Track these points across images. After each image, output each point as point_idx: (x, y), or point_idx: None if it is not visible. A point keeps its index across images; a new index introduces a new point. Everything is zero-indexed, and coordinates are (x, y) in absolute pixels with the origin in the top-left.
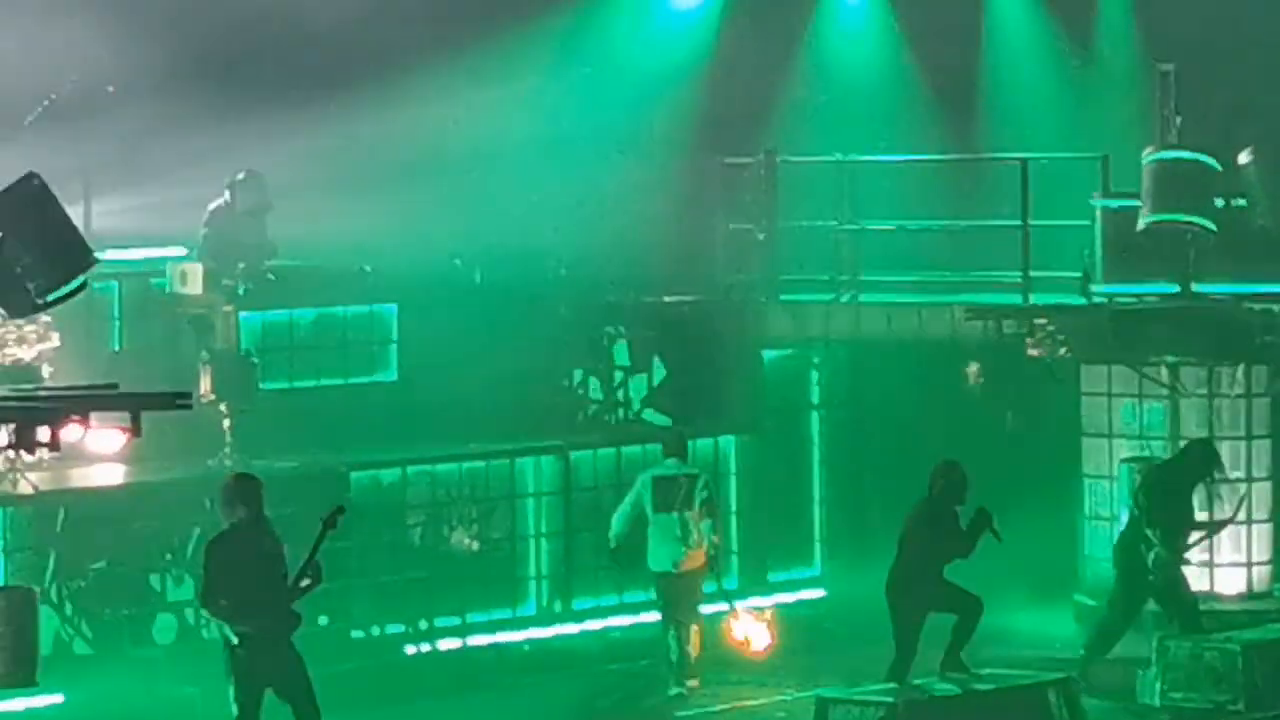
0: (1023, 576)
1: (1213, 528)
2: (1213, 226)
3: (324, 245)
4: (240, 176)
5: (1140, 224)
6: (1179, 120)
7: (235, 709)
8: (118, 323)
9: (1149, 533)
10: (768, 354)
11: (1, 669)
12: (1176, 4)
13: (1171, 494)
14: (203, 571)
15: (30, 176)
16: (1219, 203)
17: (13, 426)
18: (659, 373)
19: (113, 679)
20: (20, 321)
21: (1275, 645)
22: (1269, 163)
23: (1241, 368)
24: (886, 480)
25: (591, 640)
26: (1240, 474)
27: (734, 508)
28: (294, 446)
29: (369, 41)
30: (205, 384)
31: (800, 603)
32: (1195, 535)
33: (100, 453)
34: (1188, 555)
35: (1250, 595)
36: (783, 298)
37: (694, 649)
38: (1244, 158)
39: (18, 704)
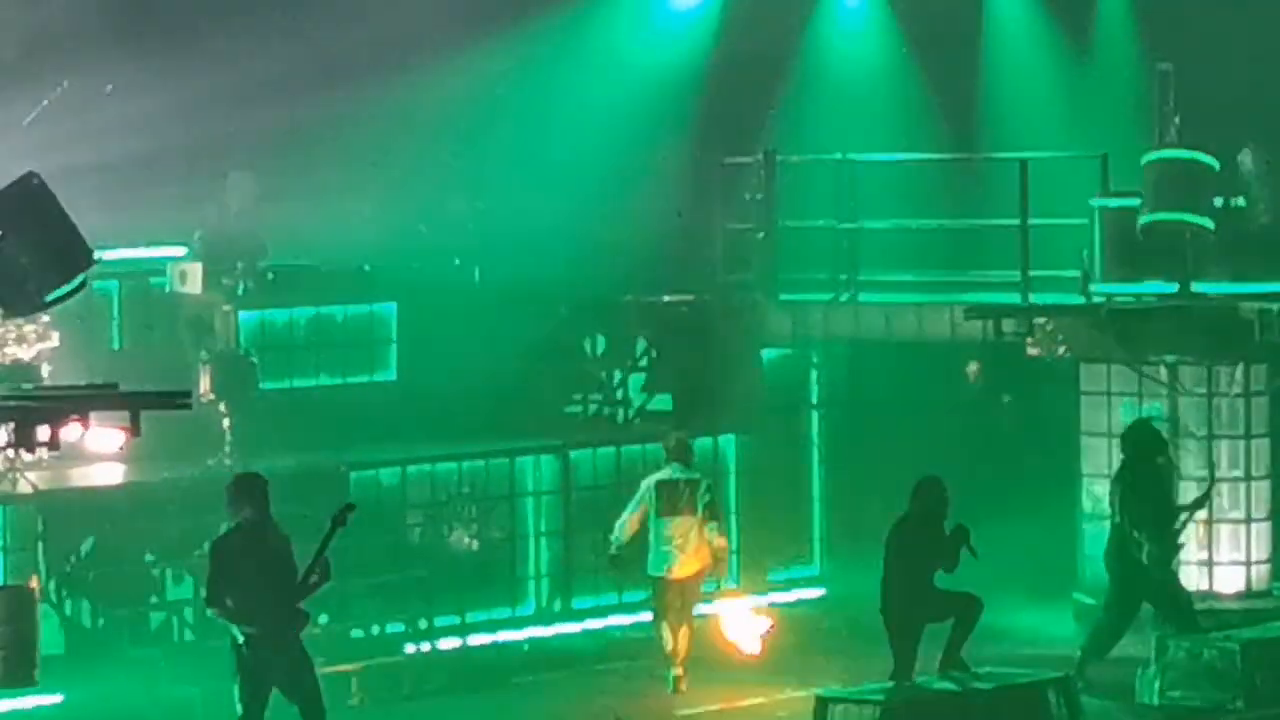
0: (1022, 576)
1: (1192, 508)
2: (1211, 226)
3: (322, 244)
4: (230, 176)
5: (1139, 223)
6: (1178, 120)
7: (240, 708)
8: (117, 322)
9: (1136, 535)
10: (767, 353)
11: (1, 669)
12: (1175, 4)
13: (1139, 492)
14: (208, 571)
15: (30, 176)
16: (1218, 202)
17: (12, 426)
18: (658, 372)
19: (112, 679)
20: (20, 321)
21: (1274, 644)
22: (1267, 162)
23: (1240, 366)
24: (886, 479)
25: (591, 639)
26: (1239, 473)
27: (733, 507)
28: (293, 446)
29: (369, 41)
30: (205, 383)
31: (799, 602)
32: (1180, 520)
33: (100, 452)
34: (1182, 542)
35: (1249, 594)
36: (782, 297)
37: (683, 649)
38: (1243, 157)
39: (17, 703)
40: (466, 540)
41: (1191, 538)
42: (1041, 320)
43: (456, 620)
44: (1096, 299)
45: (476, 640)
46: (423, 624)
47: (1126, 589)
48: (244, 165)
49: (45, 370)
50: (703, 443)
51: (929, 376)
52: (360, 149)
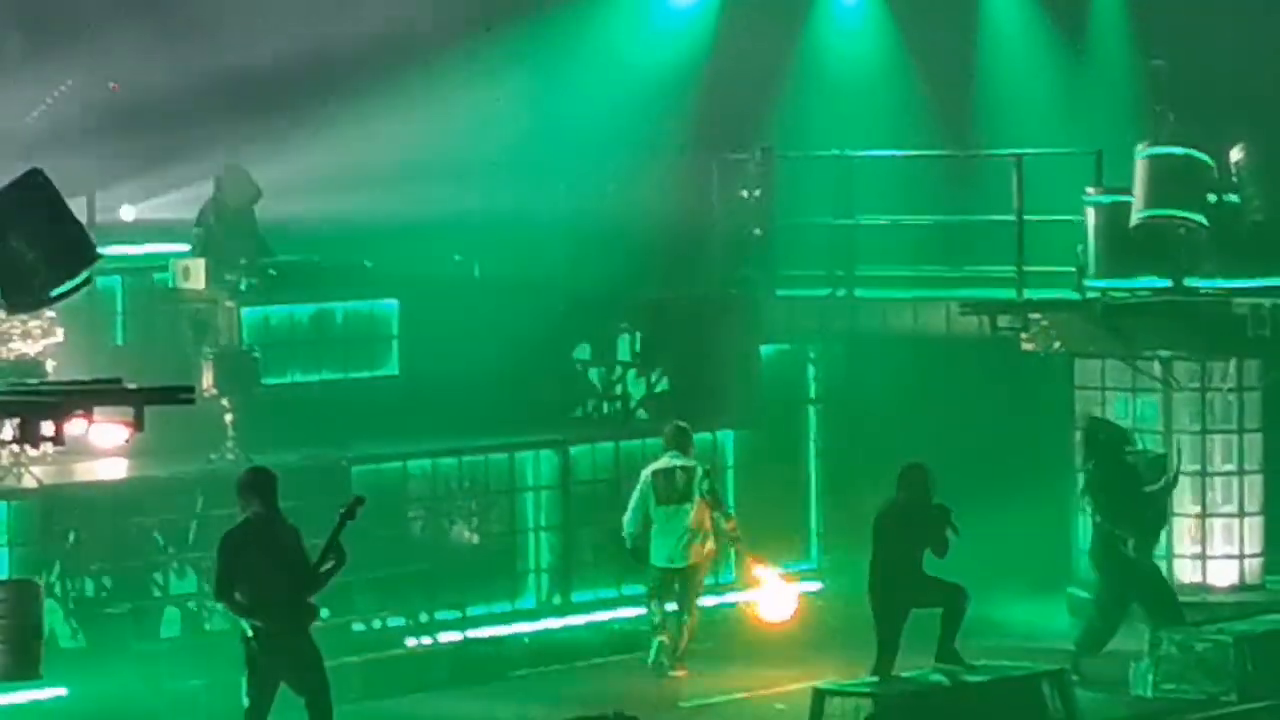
0: (1016, 569)
1: (1163, 492)
2: (1205, 221)
3: (325, 241)
4: (224, 171)
5: (1133, 219)
6: (1171, 116)
7: (247, 701)
8: (121, 318)
9: (1118, 532)
10: (765, 349)
11: (5, 662)
12: (1168, 0)
13: (1110, 490)
14: (217, 565)
15: (34, 172)
16: (1211, 198)
17: (17, 421)
18: (657, 368)
19: (116, 673)
20: (24, 317)
21: (1267, 637)
22: (1261, 158)
23: (1234, 362)
24: (883, 474)
25: (591, 633)
26: (1232, 467)
27: (731, 502)
28: (295, 441)
29: (370, 37)
30: (207, 379)
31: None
32: (1155, 506)
33: (103, 447)
34: (1163, 524)
35: (1242, 587)
36: (780, 293)
37: (684, 640)
38: (1236, 153)
39: (21, 697)
40: (467, 534)
41: (1185, 532)
42: (1036, 315)
43: (457, 614)
44: (1091, 294)
45: (477, 634)
46: (424, 618)
47: (1116, 585)
48: (243, 160)
49: (50, 366)
50: (701, 438)
51: (925, 371)
52: (360, 147)
